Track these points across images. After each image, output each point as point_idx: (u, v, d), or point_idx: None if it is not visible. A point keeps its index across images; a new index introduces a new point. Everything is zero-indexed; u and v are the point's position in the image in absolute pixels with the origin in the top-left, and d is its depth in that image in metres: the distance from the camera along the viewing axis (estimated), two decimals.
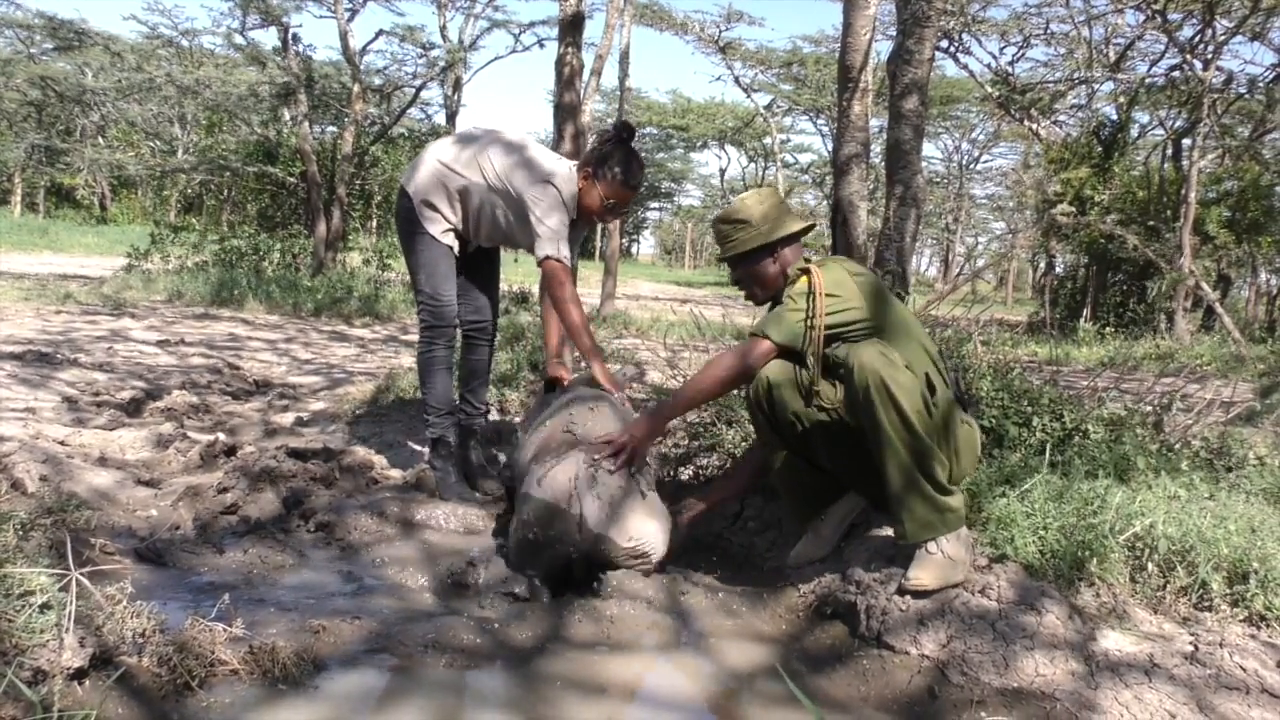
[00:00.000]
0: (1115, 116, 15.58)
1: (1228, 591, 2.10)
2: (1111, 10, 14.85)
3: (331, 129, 20.02)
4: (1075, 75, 17.08)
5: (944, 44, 16.61)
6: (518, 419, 4.24)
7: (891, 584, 2.21)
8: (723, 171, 44.94)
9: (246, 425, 4.23)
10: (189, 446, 3.59)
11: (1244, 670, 1.87)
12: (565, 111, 6.53)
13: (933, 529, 2.15)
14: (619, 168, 2.91)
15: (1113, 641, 1.98)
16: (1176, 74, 14.48)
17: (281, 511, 2.95)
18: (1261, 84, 14.15)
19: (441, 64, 17.29)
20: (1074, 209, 13.52)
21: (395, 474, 3.43)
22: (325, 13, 15.25)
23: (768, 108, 29.17)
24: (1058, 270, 17.99)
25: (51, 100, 21.53)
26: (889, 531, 2.43)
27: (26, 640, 1.61)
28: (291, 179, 17.51)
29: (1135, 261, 14.24)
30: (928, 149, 38.47)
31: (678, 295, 23.37)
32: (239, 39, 15.92)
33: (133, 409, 4.39)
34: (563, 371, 3.10)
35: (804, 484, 2.57)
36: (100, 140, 28.52)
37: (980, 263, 42.46)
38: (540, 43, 18.55)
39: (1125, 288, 15.22)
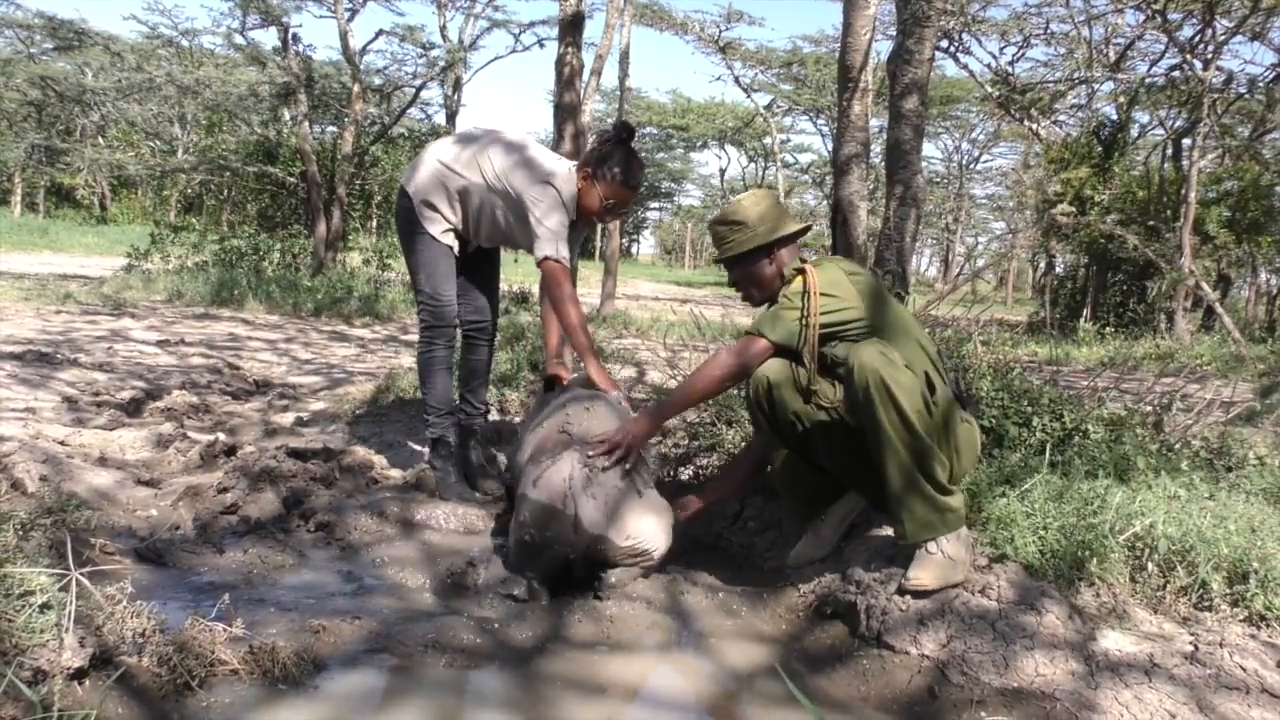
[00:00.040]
0: (1115, 116, 15.58)
1: (1228, 591, 2.10)
2: (1111, 10, 14.85)
3: (331, 129, 20.02)
4: (1075, 75, 17.08)
5: (944, 44, 16.61)
6: (518, 419, 4.24)
7: (891, 584, 2.21)
8: (723, 171, 44.99)
9: (246, 425, 4.23)
10: (189, 446, 3.59)
11: (1244, 670, 1.87)
12: (565, 111, 6.53)
13: (933, 529, 2.15)
14: (618, 168, 2.90)
15: (1113, 641, 1.98)
16: (1176, 74, 14.48)
17: (281, 511, 2.95)
18: (1261, 84, 14.16)
19: (441, 64, 17.29)
20: (1074, 209, 13.52)
21: (395, 474, 3.43)
22: (325, 13, 15.26)
23: (768, 108, 29.17)
24: (1058, 270, 17.99)
25: (51, 100, 21.54)
26: (889, 531, 2.43)
27: (26, 640, 1.61)
28: (291, 179, 17.52)
29: (1135, 261, 14.24)
30: (928, 149, 38.50)
31: (678, 295, 23.37)
32: (239, 39, 15.93)
33: (133, 409, 4.39)
34: (562, 371, 3.09)
35: (804, 484, 2.57)
36: (100, 140, 28.53)
37: (980, 263, 42.47)
38: (540, 43, 18.57)
39: (1125, 288, 15.22)
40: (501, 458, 3.60)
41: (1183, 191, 12.80)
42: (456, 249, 3.13)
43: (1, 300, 8.64)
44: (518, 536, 2.47)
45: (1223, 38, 13.36)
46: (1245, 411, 3.71)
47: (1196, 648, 1.95)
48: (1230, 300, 17.27)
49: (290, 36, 14.94)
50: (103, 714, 1.59)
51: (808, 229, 2.64)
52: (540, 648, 2.14)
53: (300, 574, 2.54)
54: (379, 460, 3.55)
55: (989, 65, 18.19)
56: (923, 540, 2.17)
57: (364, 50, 15.74)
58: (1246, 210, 13.76)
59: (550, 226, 2.88)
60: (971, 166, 36.50)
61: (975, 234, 47.69)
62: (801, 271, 2.43)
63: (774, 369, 2.44)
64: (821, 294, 2.36)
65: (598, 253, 34.25)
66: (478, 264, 3.29)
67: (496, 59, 41.73)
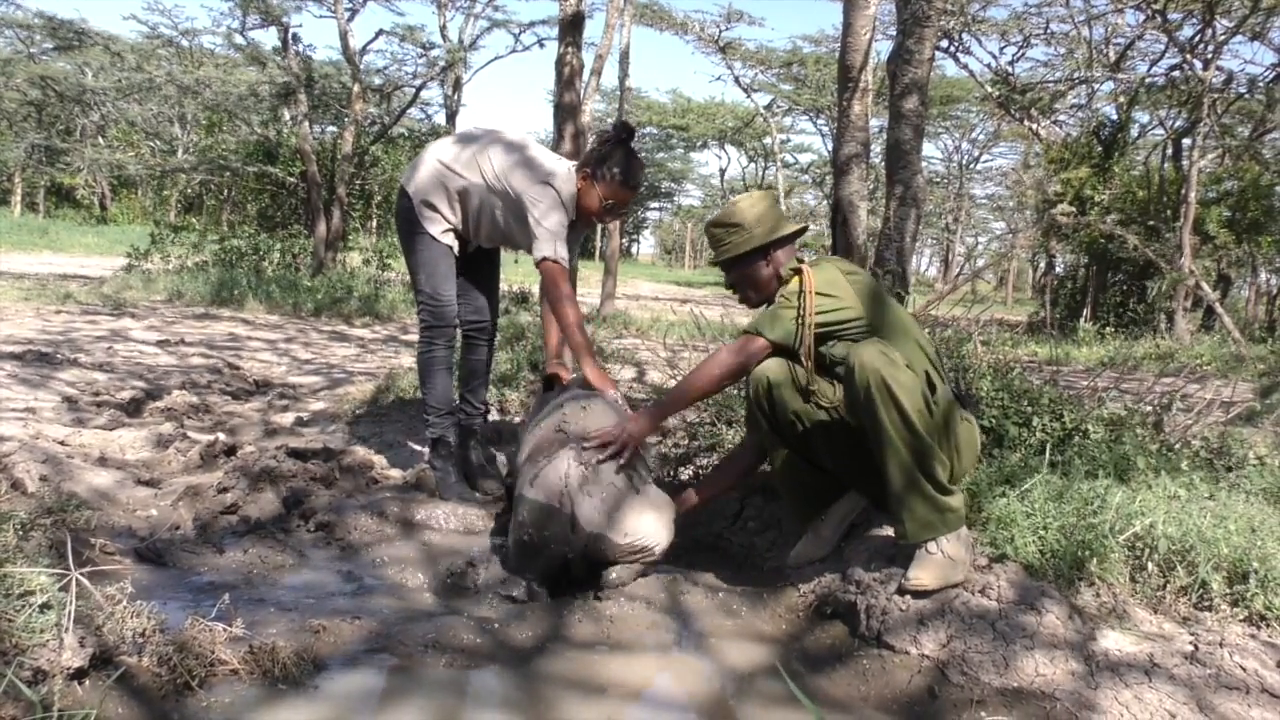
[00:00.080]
0: (1115, 116, 15.58)
1: (1228, 591, 2.10)
2: (1111, 10, 14.85)
3: (331, 129, 20.02)
4: (1075, 75, 17.08)
5: (944, 44, 16.62)
6: (518, 419, 4.24)
7: (891, 584, 2.21)
8: (723, 171, 44.98)
9: (246, 425, 4.23)
10: (189, 446, 3.59)
11: (1244, 670, 1.87)
12: (565, 111, 6.54)
13: (933, 529, 2.15)
14: (618, 168, 2.90)
15: (1113, 641, 1.98)
16: (1176, 74, 14.48)
17: (281, 511, 2.95)
18: (1261, 84, 14.16)
19: (441, 64, 17.30)
20: (1074, 209, 13.52)
21: (395, 474, 3.43)
22: (325, 13, 15.26)
23: (768, 108, 29.17)
24: (1058, 270, 17.99)
25: (51, 100, 21.55)
26: (889, 531, 2.43)
27: (26, 640, 1.61)
28: (291, 179, 17.52)
29: (1135, 261, 14.24)
30: (928, 149, 38.51)
31: (678, 295, 23.37)
32: (239, 39, 15.94)
33: (133, 409, 4.39)
34: (562, 371, 3.09)
35: (804, 484, 2.57)
36: (100, 140, 28.52)
37: (980, 263, 42.47)
38: (540, 43, 18.57)
39: (1125, 288, 15.22)
40: (501, 458, 3.60)
41: (1183, 191, 12.80)
42: (456, 249, 3.13)
43: (1, 300, 8.64)
44: (516, 536, 2.47)
45: (1223, 38, 13.36)
46: (1245, 411, 3.71)
47: (1196, 648, 1.95)
48: (1230, 300, 17.27)
49: (290, 36, 14.95)
50: (103, 714, 1.59)
51: (804, 230, 2.65)
52: (540, 648, 2.14)
53: (300, 574, 2.54)
54: (379, 460, 3.55)
55: (989, 65, 18.20)
56: (923, 540, 2.16)
57: (364, 50, 15.74)
58: (1246, 210, 13.76)
59: (549, 227, 2.88)
60: (971, 166, 36.51)
61: (975, 234, 47.73)
62: (799, 272, 2.43)
63: (773, 369, 2.44)
64: (818, 293, 2.37)
65: (598, 253, 34.25)
66: (478, 264, 3.29)
67: (496, 59, 41.76)
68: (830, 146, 26.10)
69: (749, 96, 27.31)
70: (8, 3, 15.74)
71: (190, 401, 4.59)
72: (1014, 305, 29.41)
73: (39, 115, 25.12)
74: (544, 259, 2.87)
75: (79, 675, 1.62)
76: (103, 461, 3.35)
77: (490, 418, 3.74)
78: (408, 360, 6.32)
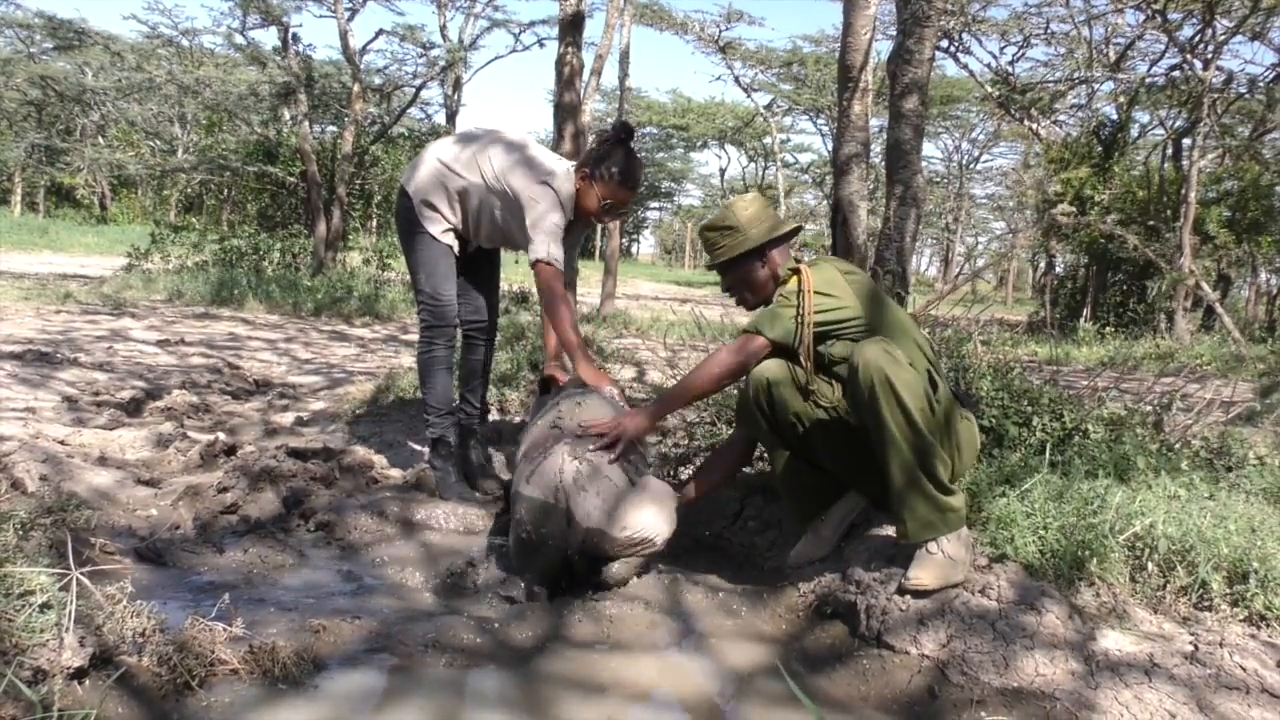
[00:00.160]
0: (1115, 116, 15.58)
1: (1228, 591, 2.10)
2: (1111, 10, 14.85)
3: (331, 129, 20.02)
4: (1075, 75, 17.08)
5: (944, 44, 16.62)
6: (518, 419, 4.24)
7: (891, 584, 2.21)
8: (723, 171, 44.98)
9: (246, 425, 4.24)
10: (189, 446, 3.59)
11: (1244, 670, 1.87)
12: (565, 111, 6.54)
13: (934, 529, 2.15)
14: (616, 168, 2.90)
15: (1113, 641, 1.98)
16: (1176, 74, 14.48)
17: (281, 511, 2.95)
18: (1261, 84, 14.16)
19: (441, 64, 17.30)
20: (1074, 209, 13.52)
21: (395, 474, 3.43)
22: (325, 12, 15.26)
23: (768, 108, 29.17)
24: (1058, 270, 17.99)
25: (51, 100, 21.54)
26: (889, 531, 2.43)
27: (26, 640, 1.61)
28: (291, 179, 17.52)
29: (1135, 261, 14.24)
30: (928, 149, 38.51)
31: (678, 295, 23.38)
32: (239, 38, 15.94)
33: (133, 409, 4.39)
34: (559, 373, 3.09)
35: (804, 484, 2.58)
36: (100, 140, 28.52)
37: (980, 263, 42.48)
38: (540, 42, 18.57)
39: (1125, 288, 15.22)
40: (499, 457, 3.60)
41: (1183, 191, 12.80)
42: (456, 249, 3.13)
43: (1, 300, 8.64)
44: (516, 535, 2.46)
45: (1223, 38, 13.36)
46: (1245, 411, 3.71)
47: (1196, 648, 1.95)
48: (1230, 300, 17.27)
49: (290, 36, 14.95)
50: (103, 714, 1.59)
51: (799, 230, 2.65)
52: (540, 648, 2.14)
53: (300, 574, 2.54)
54: (379, 460, 3.55)
55: (989, 65, 18.20)
56: (923, 540, 2.16)
57: (364, 50, 15.75)
58: (1246, 210, 13.76)
59: (545, 227, 2.87)
60: (971, 166, 36.51)
61: (975, 234, 47.74)
62: (797, 271, 2.43)
63: (773, 368, 2.44)
64: (817, 293, 2.37)
65: (598, 252, 34.25)
66: (478, 264, 3.29)
67: (496, 59, 41.70)
68: (830, 146, 26.11)
69: (749, 96, 27.32)
70: (8, 3, 15.75)
71: (190, 401, 4.59)
72: (1014, 305, 29.41)
73: (39, 115, 25.12)
74: (537, 260, 2.87)
75: (79, 675, 1.62)
76: (103, 461, 3.35)
77: (490, 418, 3.74)
78: (408, 360, 6.33)
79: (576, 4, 6.47)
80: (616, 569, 2.42)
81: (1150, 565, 2.18)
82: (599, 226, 3.90)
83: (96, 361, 5.65)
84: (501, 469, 3.51)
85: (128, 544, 2.57)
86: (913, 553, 2.19)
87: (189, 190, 31.57)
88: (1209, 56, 13.38)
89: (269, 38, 30.83)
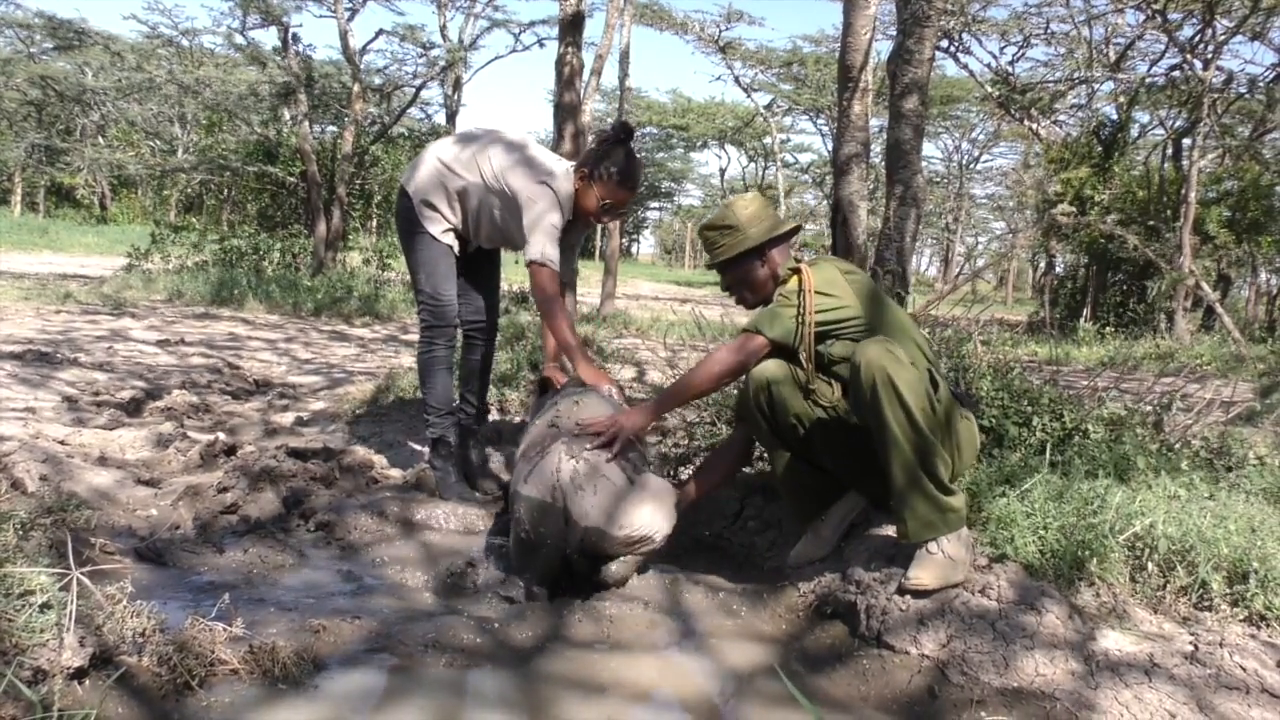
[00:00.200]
0: (1115, 116, 15.58)
1: (1228, 591, 2.10)
2: (1111, 10, 14.85)
3: (331, 129, 20.02)
4: (1075, 75, 17.08)
5: (944, 44, 16.62)
6: (518, 419, 4.24)
7: (891, 584, 2.21)
8: (723, 171, 44.99)
9: (246, 425, 4.24)
10: (189, 446, 3.59)
11: (1244, 670, 1.87)
12: (565, 111, 6.54)
13: (934, 529, 2.15)
14: (615, 168, 2.90)
15: (1113, 641, 1.98)
16: (1176, 74, 14.49)
17: (281, 511, 2.95)
18: (1261, 84, 14.16)
19: (441, 63, 17.29)
20: (1074, 209, 13.53)
21: (395, 474, 3.43)
22: (325, 12, 15.26)
23: (768, 108, 29.17)
24: (1058, 270, 17.99)
25: (51, 100, 21.55)
26: (889, 531, 2.43)
27: (26, 640, 1.61)
28: (291, 179, 17.52)
29: (1135, 261, 14.24)
30: (928, 149, 38.52)
31: (678, 295, 23.38)
32: (239, 38, 15.94)
33: (133, 409, 4.39)
34: (557, 374, 3.09)
35: (804, 484, 2.57)
36: (100, 140, 28.52)
37: (980, 263, 42.48)
38: (540, 42, 18.56)
39: (1125, 288, 15.22)
40: (499, 457, 3.60)
41: (1183, 191, 12.80)
42: (457, 249, 3.13)
43: (1, 300, 8.64)
44: (515, 534, 2.46)
45: (1223, 38, 13.36)
46: (1245, 411, 3.71)
47: (1196, 648, 1.95)
48: (1230, 300, 17.27)
49: (290, 36, 14.95)
50: (103, 714, 1.59)
51: (798, 229, 2.65)
52: (540, 648, 2.14)
53: (300, 574, 2.54)
54: (379, 460, 3.55)
55: (989, 65, 18.20)
56: (924, 539, 2.16)
57: (364, 50, 15.74)
58: (1246, 210, 13.76)
59: (543, 228, 2.87)
60: (971, 166, 36.52)
61: (975, 234, 47.75)
62: (797, 271, 2.43)
63: (773, 368, 2.44)
64: (817, 292, 2.37)
65: (598, 252, 34.25)
66: (478, 264, 3.29)
67: (496, 59, 41.68)
68: (830, 146, 26.11)
69: (749, 96, 27.32)
70: (8, 2, 15.76)
71: (190, 401, 4.59)
72: (1014, 305, 29.41)
73: (39, 115, 25.13)
74: (532, 260, 2.87)
75: (79, 675, 1.62)
76: (103, 461, 3.35)
77: (490, 418, 3.74)
78: (408, 360, 6.33)
79: (576, 4, 6.47)
80: (615, 569, 2.41)
81: (1150, 565, 2.18)
82: (599, 227, 3.89)
83: (96, 361, 5.65)
84: (501, 469, 3.51)
85: (128, 544, 2.57)
86: (913, 552, 2.19)
87: (189, 190, 31.57)
88: (1209, 56, 13.38)
89: (269, 38, 30.86)
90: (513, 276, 11.71)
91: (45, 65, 18.99)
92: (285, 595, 2.35)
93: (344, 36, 14.66)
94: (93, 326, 7.43)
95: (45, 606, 1.69)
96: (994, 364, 3.30)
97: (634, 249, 58.69)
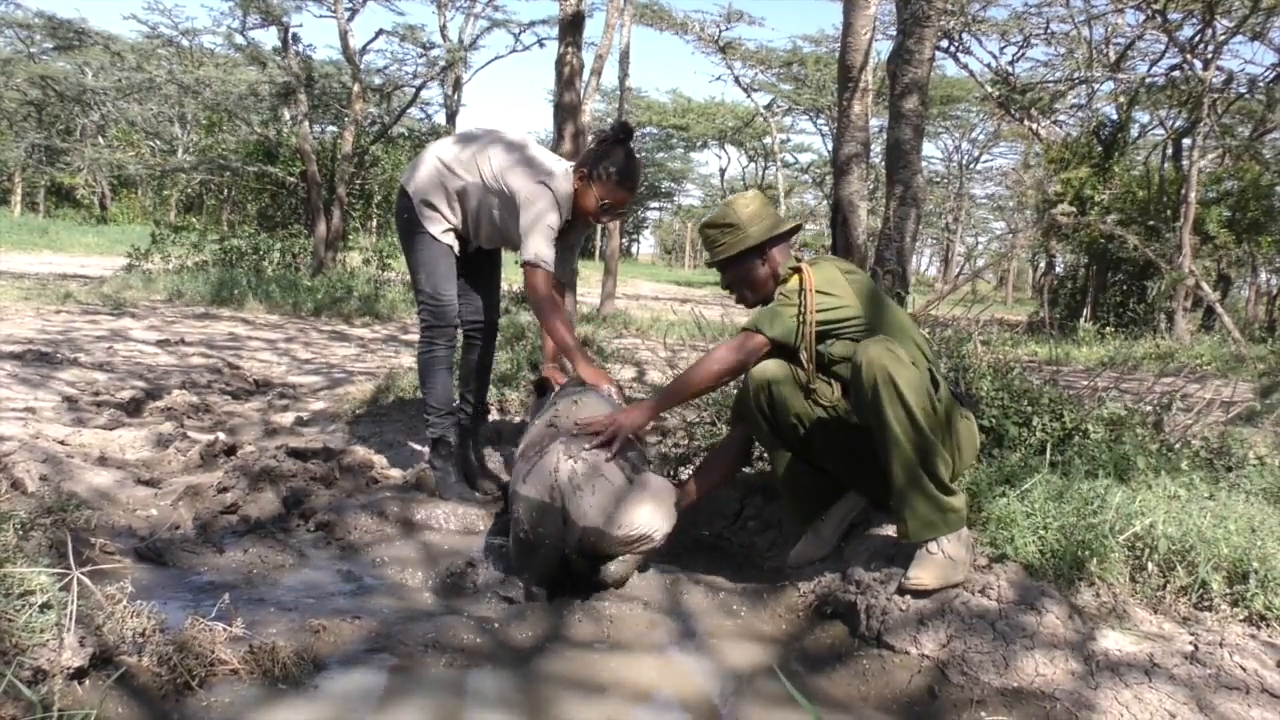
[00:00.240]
0: (1115, 116, 15.58)
1: (1228, 591, 2.10)
2: (1111, 10, 14.85)
3: (331, 129, 20.02)
4: (1075, 75, 17.08)
5: (944, 44, 16.62)
6: (518, 419, 4.24)
7: (891, 584, 2.21)
8: (723, 171, 45.00)
9: (246, 425, 4.24)
10: (189, 446, 3.59)
11: (1244, 670, 1.87)
12: (565, 111, 6.54)
13: (934, 529, 2.15)
14: (615, 168, 2.89)
15: (1113, 641, 1.98)
16: (1176, 74, 14.49)
17: (281, 511, 2.95)
18: (1261, 84, 14.16)
19: (441, 64, 17.29)
20: (1074, 209, 13.53)
21: (395, 474, 3.43)
22: (325, 12, 15.26)
23: (768, 108, 29.16)
24: (1058, 270, 17.99)
25: (51, 100, 21.54)
26: (889, 531, 2.43)
27: (26, 640, 1.61)
28: (291, 179, 17.52)
29: (1135, 261, 14.23)
30: (928, 149, 38.52)
31: (678, 295, 23.38)
32: (239, 39, 15.93)
33: (133, 409, 4.39)
34: (556, 375, 3.09)
35: (804, 484, 2.57)
36: (100, 140, 28.52)
37: (980, 263, 42.49)
38: (540, 42, 18.56)
39: (1125, 288, 15.21)
40: (498, 457, 3.60)
41: (1183, 191, 12.80)
42: (457, 249, 3.13)
43: (1, 300, 8.64)
44: (514, 534, 2.46)
45: (1223, 38, 13.36)
46: (1245, 411, 3.71)
47: (1196, 648, 1.95)
48: (1230, 300, 17.27)
49: (290, 36, 14.94)
50: (103, 714, 1.59)
51: (799, 228, 2.65)
52: (540, 648, 2.14)
53: (300, 574, 2.54)
54: (379, 460, 3.55)
55: (989, 65, 18.20)
56: (924, 539, 2.16)
57: (364, 50, 15.74)
58: (1246, 210, 13.76)
59: (539, 229, 2.87)
60: (971, 166, 36.52)
61: (975, 234, 47.76)
62: (798, 270, 2.43)
63: (773, 368, 2.44)
64: (818, 291, 2.37)
65: (598, 252, 34.26)
66: (479, 264, 3.29)
67: (496, 59, 41.65)
68: (830, 146, 26.10)
69: (749, 96, 27.31)
70: (8, 2, 15.75)
71: (190, 401, 4.59)
72: (1014, 305, 29.41)
73: (39, 115, 25.11)
74: (526, 261, 2.87)
75: (79, 675, 1.62)
76: (103, 461, 3.35)
77: (490, 418, 3.74)
78: (408, 360, 6.32)
79: (576, 4, 6.47)
80: (614, 569, 2.41)
81: (1150, 565, 2.18)
82: (599, 227, 3.89)
83: (96, 361, 5.65)
84: (501, 469, 3.51)
85: (128, 544, 2.57)
86: (913, 552, 2.19)
87: (189, 190, 31.57)
88: (1209, 56, 13.38)
89: (269, 38, 30.86)
90: (513, 277, 11.72)
91: (45, 65, 18.99)
92: (285, 595, 2.35)
93: (344, 36, 14.66)
94: (93, 326, 7.43)
95: (45, 606, 1.69)
96: (994, 364, 3.30)
97: (634, 249, 58.71)
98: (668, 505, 2.44)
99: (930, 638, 2.07)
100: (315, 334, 8.68)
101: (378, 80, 17.98)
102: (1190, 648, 1.96)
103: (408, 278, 7.02)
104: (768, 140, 33.83)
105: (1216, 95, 13.45)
